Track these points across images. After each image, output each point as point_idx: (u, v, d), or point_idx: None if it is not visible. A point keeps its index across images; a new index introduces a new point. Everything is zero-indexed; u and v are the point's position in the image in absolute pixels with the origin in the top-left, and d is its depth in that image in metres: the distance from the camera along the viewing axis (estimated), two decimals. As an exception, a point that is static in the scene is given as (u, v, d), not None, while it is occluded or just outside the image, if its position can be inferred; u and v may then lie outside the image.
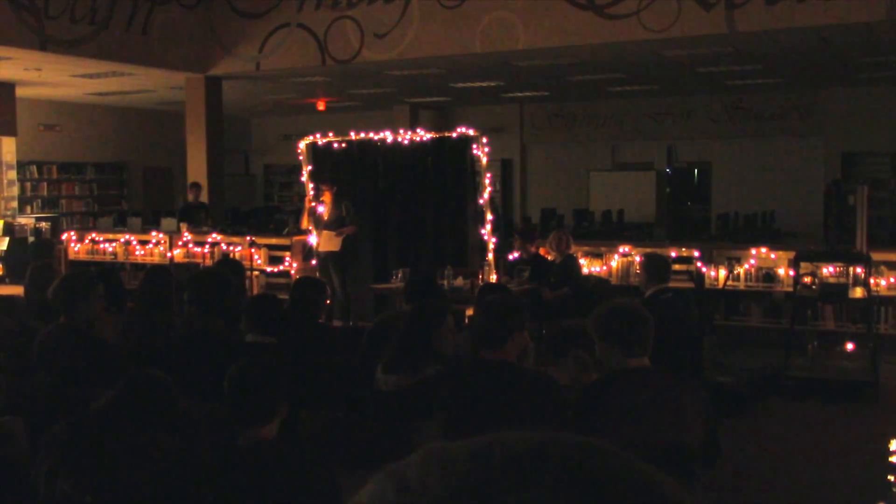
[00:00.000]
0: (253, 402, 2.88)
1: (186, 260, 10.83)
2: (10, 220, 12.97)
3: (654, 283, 5.97)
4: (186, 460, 2.83)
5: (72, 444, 2.89)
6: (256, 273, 10.44)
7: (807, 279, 8.08)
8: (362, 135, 10.18)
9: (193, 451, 2.90)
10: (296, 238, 10.62)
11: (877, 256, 8.25)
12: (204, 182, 12.08)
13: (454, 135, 9.85)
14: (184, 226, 11.17)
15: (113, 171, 17.54)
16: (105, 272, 5.79)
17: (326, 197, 9.72)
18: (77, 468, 2.81)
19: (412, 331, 4.18)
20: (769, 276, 8.99)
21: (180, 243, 11.13)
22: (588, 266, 9.47)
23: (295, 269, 10.29)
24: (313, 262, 10.04)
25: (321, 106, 16.48)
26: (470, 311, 6.94)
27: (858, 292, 7.99)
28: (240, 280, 6.02)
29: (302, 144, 10.44)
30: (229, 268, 6.01)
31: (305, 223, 9.94)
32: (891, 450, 4.60)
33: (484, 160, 9.44)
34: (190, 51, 11.32)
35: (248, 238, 10.55)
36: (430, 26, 10.18)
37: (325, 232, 9.67)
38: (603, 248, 9.91)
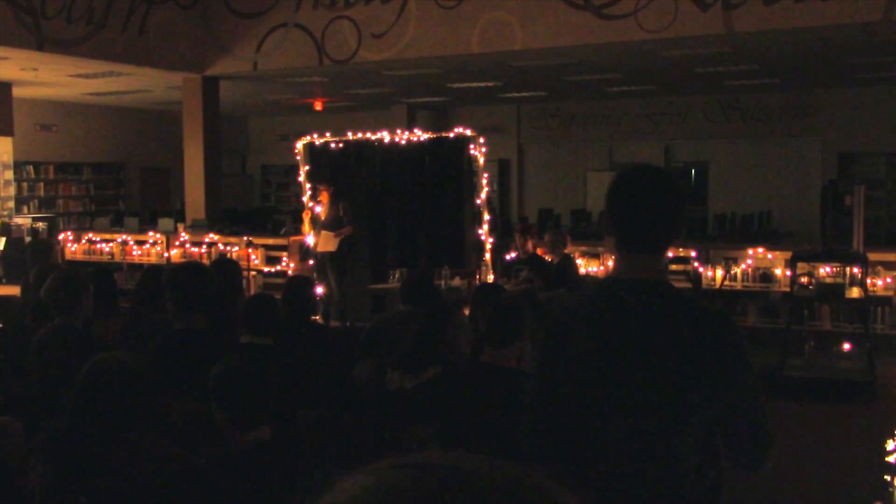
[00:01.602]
0: (237, 407, 2.81)
1: (184, 260, 10.82)
2: (6, 220, 12.94)
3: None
4: (179, 462, 2.80)
5: (64, 442, 2.87)
6: (254, 273, 10.44)
7: (803, 279, 8.09)
8: (360, 135, 10.19)
9: (185, 452, 2.87)
10: (292, 238, 10.62)
11: (873, 256, 8.26)
12: (201, 182, 11.98)
13: (451, 135, 9.86)
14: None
15: (110, 171, 17.52)
16: (99, 273, 5.74)
17: (324, 197, 9.71)
18: (71, 468, 2.80)
19: (427, 331, 4.19)
20: (766, 276, 9.00)
21: (177, 243, 11.13)
22: (585, 266, 9.47)
23: (292, 270, 10.29)
24: (311, 262, 10.03)
25: (318, 106, 16.46)
26: (466, 311, 6.93)
27: (855, 292, 8.00)
28: (237, 280, 5.99)
29: (299, 144, 10.44)
30: (228, 267, 5.99)
31: (307, 228, 9.90)
32: (887, 449, 4.60)
33: (481, 160, 9.45)
34: (187, 51, 11.31)
35: (245, 238, 10.55)
36: (427, 26, 10.17)
37: (323, 232, 9.66)
38: (600, 249, 9.91)
